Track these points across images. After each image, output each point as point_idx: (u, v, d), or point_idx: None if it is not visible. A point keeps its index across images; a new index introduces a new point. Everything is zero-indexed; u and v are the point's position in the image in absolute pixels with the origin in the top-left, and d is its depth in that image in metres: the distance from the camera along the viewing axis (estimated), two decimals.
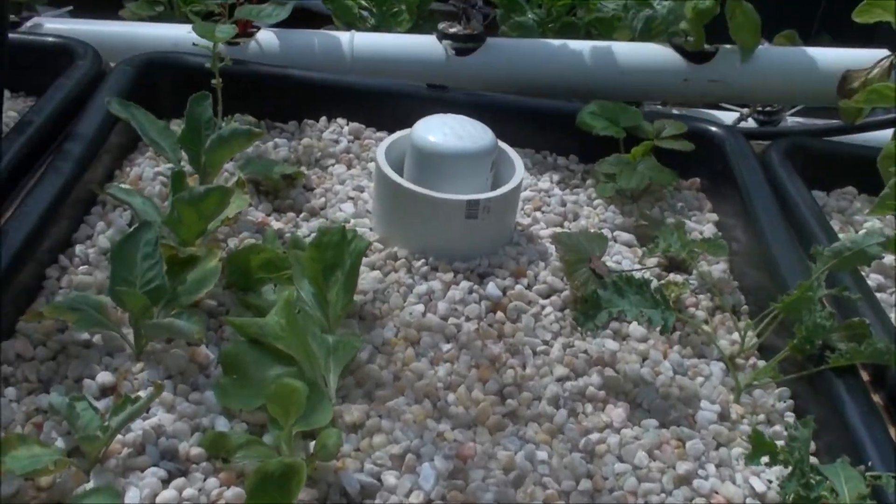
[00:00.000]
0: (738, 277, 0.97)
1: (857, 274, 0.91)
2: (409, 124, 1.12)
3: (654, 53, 1.22)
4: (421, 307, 0.84)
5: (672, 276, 0.95)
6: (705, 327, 0.89)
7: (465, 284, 0.87)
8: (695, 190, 1.12)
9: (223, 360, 0.73)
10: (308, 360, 0.72)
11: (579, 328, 0.80)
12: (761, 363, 0.85)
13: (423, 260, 0.89)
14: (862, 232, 0.83)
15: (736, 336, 0.89)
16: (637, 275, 0.80)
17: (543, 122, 1.16)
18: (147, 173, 0.97)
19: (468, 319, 0.84)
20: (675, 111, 1.30)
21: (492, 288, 0.87)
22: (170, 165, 0.93)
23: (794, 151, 1.15)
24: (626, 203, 1.07)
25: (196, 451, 0.67)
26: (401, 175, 0.92)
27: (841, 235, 1.02)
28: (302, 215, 0.97)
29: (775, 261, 0.92)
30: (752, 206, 1.01)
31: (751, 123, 1.32)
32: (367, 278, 0.86)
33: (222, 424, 0.70)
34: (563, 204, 1.06)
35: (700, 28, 1.18)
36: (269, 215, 0.96)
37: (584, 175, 1.13)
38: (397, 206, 0.90)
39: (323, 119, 1.14)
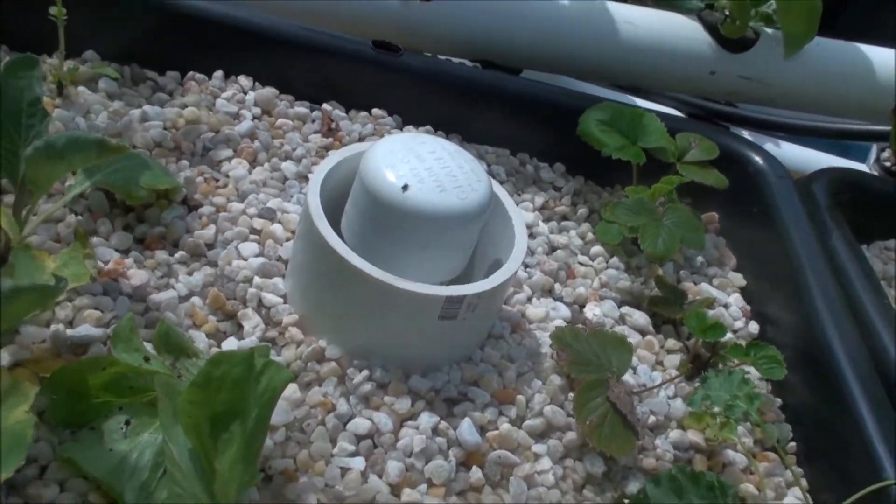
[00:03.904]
0: (780, 390, 0.71)
1: None
2: (341, 96, 0.79)
3: (678, 30, 0.91)
4: (360, 463, 0.54)
5: (706, 403, 0.67)
6: (750, 487, 0.62)
7: (427, 420, 0.57)
8: (713, 231, 0.84)
9: None
10: None
11: None
12: None
13: (365, 371, 0.58)
14: None
15: (790, 501, 0.63)
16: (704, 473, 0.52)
17: (524, 113, 0.84)
18: None
19: (431, 486, 0.54)
20: None
21: (466, 428, 0.57)
22: None
23: (839, 190, 0.88)
24: (631, 252, 0.78)
25: None
26: (337, 215, 0.60)
27: None
28: (178, 255, 0.63)
29: (843, 386, 0.66)
30: (803, 285, 0.73)
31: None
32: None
33: None
34: (552, 249, 0.76)
35: (747, 8, 0.87)
36: (126, 254, 0.62)
37: (574, 198, 0.83)
38: (335, 285, 0.57)
39: (218, 74, 0.79)
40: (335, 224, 0.58)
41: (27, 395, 0.45)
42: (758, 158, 0.83)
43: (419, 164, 0.57)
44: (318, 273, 0.58)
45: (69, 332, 0.54)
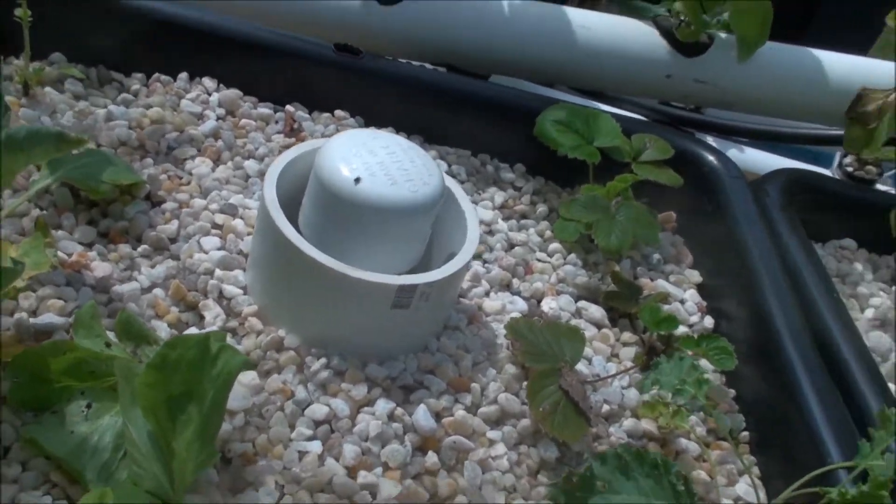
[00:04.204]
0: (734, 382, 0.72)
1: None
2: (304, 98, 0.81)
3: (635, 34, 0.93)
4: (317, 446, 0.55)
5: (658, 392, 0.69)
6: (702, 474, 0.64)
7: (383, 406, 0.58)
8: (670, 230, 0.86)
9: None
10: None
11: None
12: None
13: (322, 358, 0.59)
14: None
15: (742, 487, 0.65)
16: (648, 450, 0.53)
17: (485, 114, 0.86)
18: None
19: (387, 469, 0.56)
20: None
21: (422, 414, 0.58)
22: None
23: (793, 190, 0.90)
24: (589, 249, 0.80)
25: None
26: (296, 211, 0.62)
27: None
28: (141, 248, 0.64)
29: (792, 377, 0.68)
30: (754, 280, 0.75)
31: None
32: (237, 385, 0.56)
33: None
34: (511, 246, 0.78)
35: (699, 13, 0.90)
36: (89, 247, 0.63)
37: (534, 197, 0.84)
38: (291, 275, 0.59)
39: (182, 76, 0.80)
40: (293, 220, 0.60)
41: None
42: (712, 158, 0.86)
43: (372, 159, 0.59)
44: (275, 264, 0.60)
45: (32, 320, 0.55)
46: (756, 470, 0.66)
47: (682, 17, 0.91)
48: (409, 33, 0.88)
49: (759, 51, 0.93)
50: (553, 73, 0.93)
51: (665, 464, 0.52)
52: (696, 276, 0.81)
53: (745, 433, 0.69)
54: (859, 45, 1.07)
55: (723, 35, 0.94)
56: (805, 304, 0.76)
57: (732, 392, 0.71)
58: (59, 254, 0.60)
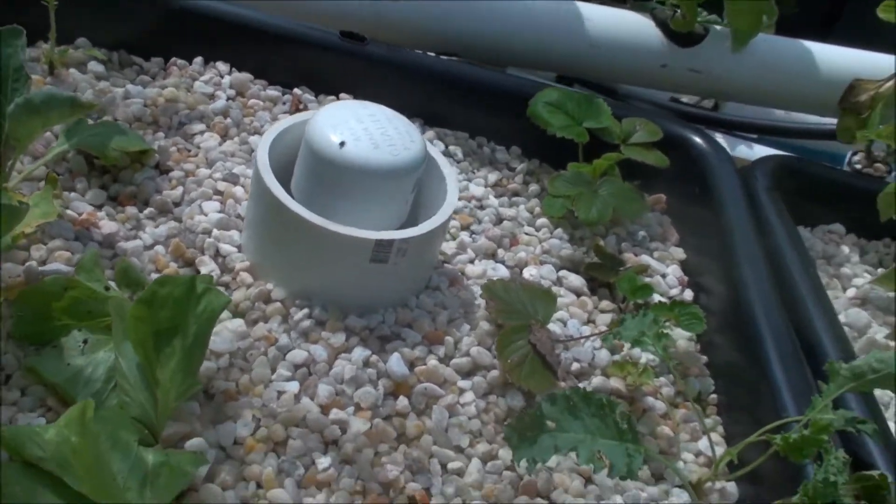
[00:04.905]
0: (707, 349, 0.76)
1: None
2: (311, 82, 0.86)
3: (631, 26, 0.97)
4: (294, 386, 0.60)
5: (628, 351, 0.72)
6: (665, 429, 0.68)
7: (359, 353, 0.63)
8: (659, 211, 0.90)
9: None
10: (110, 495, 0.48)
11: (512, 454, 0.57)
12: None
13: (305, 309, 0.64)
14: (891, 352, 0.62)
15: (704, 443, 0.68)
16: (597, 396, 0.57)
17: (484, 99, 0.91)
18: None
19: (359, 410, 0.60)
20: None
21: (395, 362, 0.63)
22: None
23: (781, 175, 0.93)
24: (576, 225, 0.84)
25: None
26: (289, 179, 0.67)
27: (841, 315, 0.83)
28: (147, 211, 0.70)
29: (760, 343, 0.71)
30: (734, 256, 0.79)
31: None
32: (225, 330, 0.62)
33: None
34: (499, 220, 0.82)
35: (694, 4, 0.93)
36: (99, 208, 0.69)
37: (527, 177, 0.89)
38: (279, 231, 0.64)
39: (198, 61, 0.86)
40: (288, 187, 0.65)
41: None
42: (700, 141, 0.89)
43: (357, 125, 0.64)
44: (264, 220, 0.65)
45: (41, 268, 0.61)
46: (721, 429, 0.70)
47: (677, 8, 0.95)
48: (417, 27, 0.93)
49: (752, 42, 0.96)
50: (554, 63, 0.98)
51: (610, 404, 0.56)
52: (679, 253, 0.85)
53: (714, 396, 0.72)
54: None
55: (718, 27, 0.98)
56: (783, 281, 0.79)
57: (705, 358, 0.75)
58: (70, 212, 0.66)
